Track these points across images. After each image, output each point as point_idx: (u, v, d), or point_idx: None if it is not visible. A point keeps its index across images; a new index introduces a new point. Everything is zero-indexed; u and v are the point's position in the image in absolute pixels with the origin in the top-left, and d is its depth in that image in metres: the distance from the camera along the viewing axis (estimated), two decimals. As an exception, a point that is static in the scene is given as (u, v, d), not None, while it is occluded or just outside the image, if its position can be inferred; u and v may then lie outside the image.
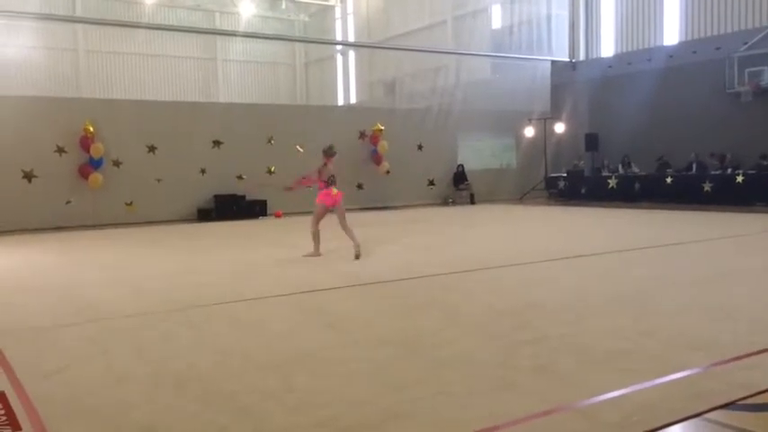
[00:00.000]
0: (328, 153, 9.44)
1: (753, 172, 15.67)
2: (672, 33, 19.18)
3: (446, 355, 4.20)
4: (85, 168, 15.21)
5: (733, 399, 3.30)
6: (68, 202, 15.03)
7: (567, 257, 8.32)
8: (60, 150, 14.94)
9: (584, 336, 4.55)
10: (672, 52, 18.67)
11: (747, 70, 16.72)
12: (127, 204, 15.70)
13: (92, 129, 15.11)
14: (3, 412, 3.48)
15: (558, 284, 6.64)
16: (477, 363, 4.04)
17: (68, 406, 3.57)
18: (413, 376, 3.80)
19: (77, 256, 10.28)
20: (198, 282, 7.35)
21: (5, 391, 3.77)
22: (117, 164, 15.53)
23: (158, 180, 15.94)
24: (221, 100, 27.93)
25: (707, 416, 3.14)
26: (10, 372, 4.15)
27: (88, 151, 15.11)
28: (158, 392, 3.72)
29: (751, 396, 3.33)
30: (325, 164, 9.30)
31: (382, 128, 18.75)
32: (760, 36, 16.66)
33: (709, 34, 18.12)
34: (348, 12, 29.99)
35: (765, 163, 15.78)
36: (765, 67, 16.42)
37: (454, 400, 3.41)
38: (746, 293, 5.84)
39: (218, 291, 6.73)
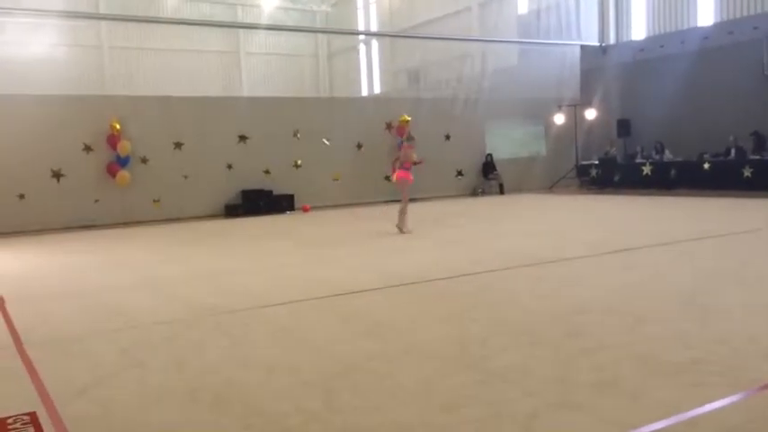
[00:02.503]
0: (409, 139, 11.22)
1: (795, 155, 15.10)
2: (706, 14, 18.53)
3: (498, 368, 3.94)
4: (113, 166, 15.16)
5: (824, 419, 2.99)
6: (97, 201, 15.00)
7: (611, 252, 7.98)
8: (87, 149, 14.91)
9: (645, 344, 4.25)
10: (706, 34, 18.04)
11: (788, 50, 16.10)
12: (154, 201, 15.64)
13: (118, 126, 15.04)
14: (34, 437, 3.31)
15: (606, 282, 6.32)
16: (532, 377, 3.76)
17: (101, 427, 3.38)
18: (465, 393, 3.55)
19: (107, 256, 10.18)
20: (230, 284, 7.17)
21: (36, 411, 3.60)
22: (144, 161, 15.47)
23: (185, 177, 15.85)
24: (245, 94, 27.81)
25: (798, 440, 2.84)
26: (41, 388, 3.98)
27: (115, 149, 15.06)
28: (196, 412, 3.52)
29: (844, 416, 3.02)
30: (404, 148, 11.00)
31: (408, 118, 18.44)
32: (801, 14, 16.01)
33: (746, 14, 17.46)
34: (370, 1, 29.62)
35: (807, 146, 15.20)
36: (806, 47, 15.79)
37: (513, 424, 3.15)
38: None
39: (251, 294, 6.53)
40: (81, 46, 25.75)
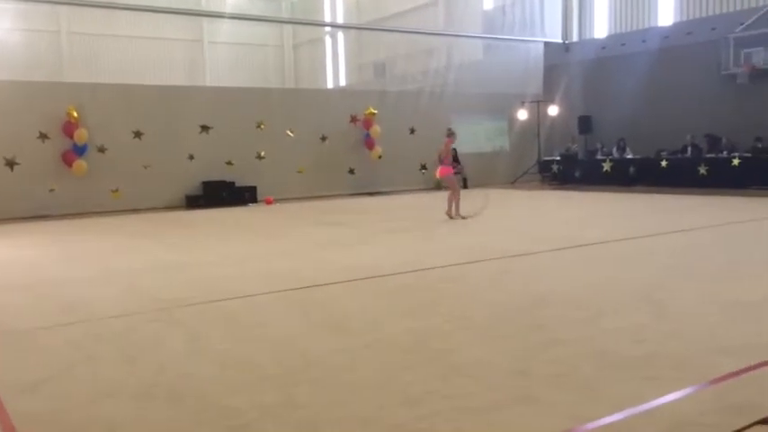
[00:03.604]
0: (449, 135, 11.48)
1: (748, 155, 15.50)
2: (666, 14, 18.90)
3: (460, 362, 3.94)
4: (69, 155, 14.79)
5: (773, 412, 3.06)
6: (52, 190, 14.62)
7: (573, 246, 8.07)
8: (43, 137, 14.52)
9: (603, 337, 4.30)
10: (666, 33, 18.40)
11: (743, 51, 16.48)
12: (112, 192, 15.31)
13: (75, 114, 14.68)
14: (-21, 434, 3.19)
15: (568, 277, 6.39)
16: (493, 370, 3.77)
17: (51, 425, 3.28)
18: (426, 387, 3.53)
19: (61, 248, 9.92)
20: (189, 277, 7.05)
21: (-17, 408, 3.48)
22: (102, 150, 15.12)
23: (145, 167, 15.55)
24: (208, 84, 27.39)
25: (748, 432, 2.90)
26: (-11, 383, 3.85)
27: (72, 137, 14.71)
28: (150, 407, 3.43)
29: (792, 409, 3.09)
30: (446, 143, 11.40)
31: (375, 111, 18.40)
32: (756, 16, 16.40)
33: (704, 14, 17.86)
34: (337, -8, 29.40)
35: (760, 146, 15.62)
36: (761, 48, 16.18)
37: (472, 417, 3.15)
38: (765, 287, 5.60)
39: (211, 287, 6.42)
40: (38, 31, 24.99)
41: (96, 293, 6.34)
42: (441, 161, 11.40)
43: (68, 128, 14.65)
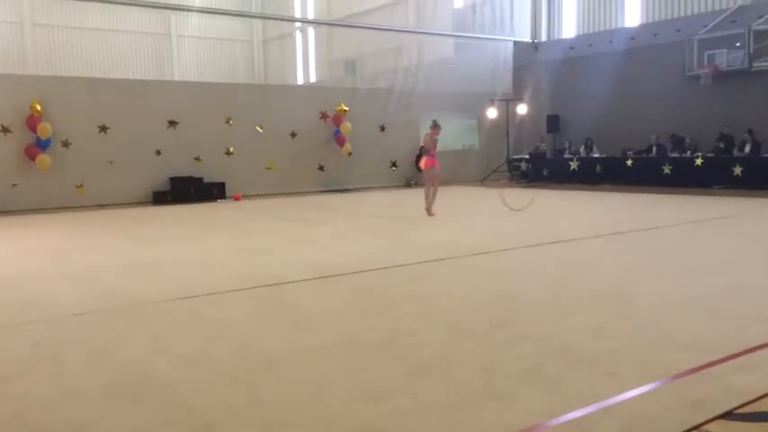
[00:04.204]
0: (434, 126, 11.39)
1: (711, 155, 15.83)
2: (633, 15, 19.19)
3: (426, 359, 3.95)
4: (32, 149, 14.48)
5: (731, 407, 3.13)
6: (14, 185, 14.30)
7: (540, 244, 8.15)
8: (5, 130, 14.21)
9: (568, 334, 4.35)
10: (633, 34, 18.69)
11: (707, 53, 16.81)
12: (77, 187, 15.03)
13: (39, 107, 14.38)
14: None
15: (535, 274, 6.46)
16: (459, 367, 3.80)
17: (12, 425, 3.21)
18: (391, 385, 3.54)
19: (22, 244, 9.70)
20: (154, 274, 6.95)
21: (-62, 409, 3.39)
22: (66, 144, 14.84)
23: (111, 162, 15.30)
24: (176, 78, 27.03)
25: (705, 427, 2.96)
26: (-55, 383, 3.75)
27: (35, 131, 14.39)
28: (113, 407, 3.38)
29: (748, 403, 3.17)
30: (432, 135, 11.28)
31: (346, 108, 18.35)
32: (719, 19, 16.74)
33: (669, 17, 18.17)
34: (307, -13, 29.24)
35: (722, 146, 15.96)
36: (724, 50, 16.53)
37: (437, 414, 3.17)
38: (726, 285, 5.73)
39: (176, 284, 6.35)
40: (0, 22, 24.40)
41: (58, 291, 6.22)
42: (426, 152, 11.36)
43: (32, 121, 14.34)
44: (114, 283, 6.50)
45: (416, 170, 13.32)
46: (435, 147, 11.35)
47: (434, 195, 11.37)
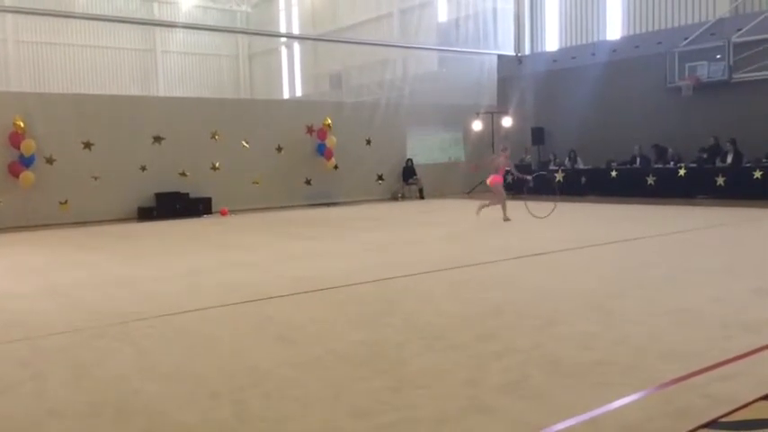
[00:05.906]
0: (504, 149, 13.15)
1: (694, 165, 16.01)
2: (615, 28, 19.44)
3: (411, 372, 3.95)
4: (15, 166, 14.37)
5: (715, 416, 3.15)
6: (-2, 203, 14.18)
7: (525, 255, 8.19)
8: (-13, 147, 14.07)
9: (553, 345, 4.37)
10: (615, 47, 18.92)
11: (687, 65, 17.04)
12: (61, 203, 14.92)
13: (22, 124, 14.29)
14: None
15: (520, 286, 6.48)
16: (444, 381, 3.79)
17: (-8, 446, 3.17)
18: (377, 399, 3.53)
19: (5, 261, 9.60)
20: (139, 290, 6.90)
21: None
22: (50, 161, 14.74)
23: (95, 178, 15.21)
24: (161, 93, 27.00)
25: (691, 436, 2.98)
26: (-75, 405, 3.70)
27: (18, 148, 14.28)
28: (97, 426, 3.35)
29: (733, 412, 3.19)
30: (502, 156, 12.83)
31: (329, 122, 18.40)
32: (700, 31, 17.00)
33: (650, 29, 18.42)
34: (293, 2, 29.37)
35: (704, 156, 16.15)
36: (705, 62, 16.77)
37: (425, 428, 3.16)
38: (710, 294, 5.78)
39: (161, 301, 6.30)
40: (-17, 38, 24.32)
41: (42, 309, 6.16)
42: (495, 170, 12.54)
43: (15, 138, 14.23)
44: (98, 301, 6.44)
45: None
46: (504, 167, 12.70)
47: (504, 205, 12.54)
